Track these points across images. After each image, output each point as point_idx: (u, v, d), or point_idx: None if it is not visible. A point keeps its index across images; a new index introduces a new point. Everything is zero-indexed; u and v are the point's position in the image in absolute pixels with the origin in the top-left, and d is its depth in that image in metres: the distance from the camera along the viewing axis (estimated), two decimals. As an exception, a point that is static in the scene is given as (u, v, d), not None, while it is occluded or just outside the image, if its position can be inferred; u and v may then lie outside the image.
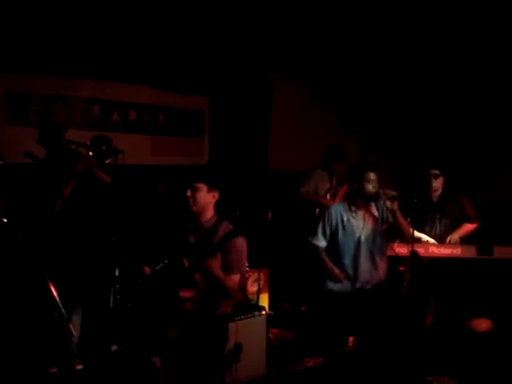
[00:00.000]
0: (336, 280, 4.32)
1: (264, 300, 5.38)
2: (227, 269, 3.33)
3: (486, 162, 6.34)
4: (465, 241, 5.00)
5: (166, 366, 3.39)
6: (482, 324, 5.01)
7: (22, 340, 4.36)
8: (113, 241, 4.38)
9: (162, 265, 3.34)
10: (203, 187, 3.42)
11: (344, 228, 4.32)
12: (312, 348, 4.78)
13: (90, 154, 4.39)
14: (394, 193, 4.23)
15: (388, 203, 4.20)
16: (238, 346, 4.09)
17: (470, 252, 4.81)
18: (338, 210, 4.37)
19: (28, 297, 4.24)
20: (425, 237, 4.98)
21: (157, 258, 3.47)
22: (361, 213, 4.34)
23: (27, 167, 4.33)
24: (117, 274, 4.33)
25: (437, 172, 5.03)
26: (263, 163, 6.71)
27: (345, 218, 4.33)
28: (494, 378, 4.15)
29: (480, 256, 4.79)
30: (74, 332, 3.92)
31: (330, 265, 4.34)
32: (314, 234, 4.39)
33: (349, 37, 6.01)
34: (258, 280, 5.23)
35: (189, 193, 3.42)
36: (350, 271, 4.33)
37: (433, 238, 5.00)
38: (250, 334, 4.26)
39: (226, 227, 3.41)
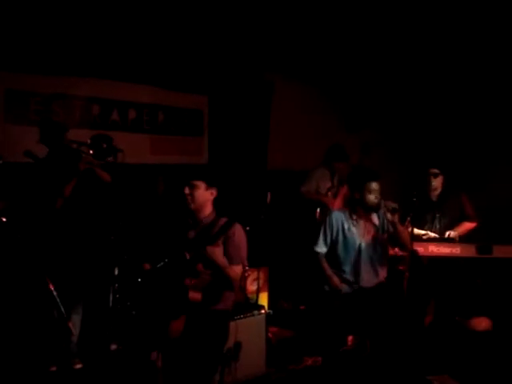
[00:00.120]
0: (334, 287, 4.31)
1: (263, 299, 5.38)
2: (228, 260, 3.35)
3: (486, 161, 6.34)
4: (464, 240, 5.01)
5: (167, 365, 3.40)
6: (482, 323, 5.02)
7: (21, 339, 4.35)
8: (112, 240, 4.39)
9: (162, 263, 3.35)
10: (201, 185, 3.44)
11: (345, 236, 4.31)
12: (311, 347, 4.79)
13: (91, 152, 4.39)
14: (394, 205, 4.21)
15: (389, 215, 4.19)
16: (238, 345, 4.11)
17: (470, 251, 4.81)
18: (339, 218, 4.35)
19: (27, 296, 4.24)
20: (425, 232, 4.98)
21: (157, 256, 3.48)
22: (362, 221, 4.33)
23: (27, 166, 4.33)
24: (116, 272, 4.33)
25: (436, 171, 5.04)
26: (263, 162, 6.70)
27: (346, 226, 4.31)
28: (494, 376, 4.16)
29: (479, 255, 4.79)
30: (73, 331, 3.92)
31: (329, 272, 4.32)
32: (316, 240, 4.39)
33: (349, 36, 6.01)
34: (257, 279, 5.23)
35: (187, 190, 3.43)
36: (350, 278, 4.32)
37: (432, 236, 5.03)
38: (250, 333, 4.28)
39: (224, 222, 3.42)
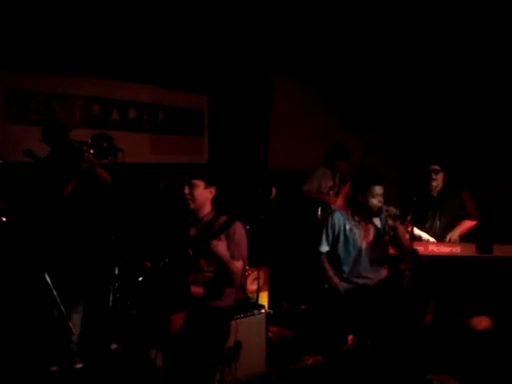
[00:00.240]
0: (334, 288, 4.31)
1: (263, 298, 5.38)
2: (230, 255, 3.36)
3: (486, 160, 6.34)
4: (464, 239, 5.01)
5: (167, 363, 3.40)
6: (482, 322, 5.01)
7: (21, 338, 4.36)
8: (112, 239, 4.39)
9: (163, 262, 3.35)
10: (200, 184, 3.45)
11: (346, 236, 4.30)
12: (311, 346, 4.80)
13: (91, 152, 4.39)
14: (396, 211, 4.23)
15: (390, 221, 4.20)
16: (238, 345, 4.11)
17: (470, 250, 4.81)
18: (340, 218, 4.34)
19: (28, 295, 4.24)
20: (425, 235, 4.99)
21: (158, 255, 3.49)
22: (363, 223, 4.33)
23: (27, 166, 4.33)
24: (116, 272, 4.33)
25: (437, 167, 5.04)
26: (263, 162, 6.70)
27: (347, 227, 4.31)
28: (494, 376, 4.16)
29: (480, 254, 4.79)
30: (73, 330, 3.92)
31: (330, 273, 4.33)
32: (319, 240, 4.38)
33: (350, 35, 6.00)
34: (257, 278, 5.23)
35: (186, 190, 3.44)
36: (350, 278, 4.32)
37: (432, 235, 5.02)
38: (250, 333, 4.28)
39: (224, 219, 3.43)
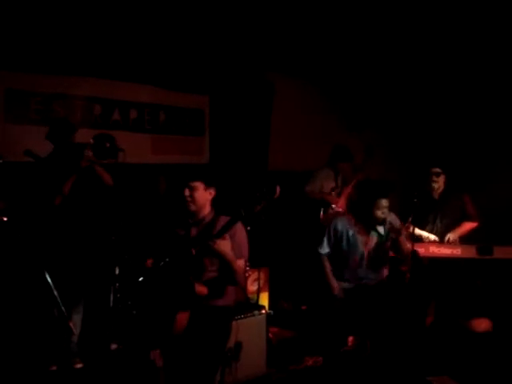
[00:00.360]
0: (332, 294, 4.34)
1: (264, 299, 5.38)
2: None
3: (486, 162, 6.34)
4: (465, 240, 5.00)
5: (168, 363, 3.40)
6: (482, 324, 5.01)
7: (22, 338, 4.36)
8: (113, 239, 4.38)
9: (163, 262, 3.35)
10: (200, 186, 3.46)
11: (348, 241, 4.36)
12: (312, 347, 4.79)
13: (92, 152, 4.38)
14: (399, 226, 4.35)
15: (393, 235, 4.30)
16: (238, 345, 4.11)
17: (470, 252, 4.81)
18: (344, 223, 4.41)
19: (28, 295, 4.24)
20: (425, 233, 4.99)
21: (160, 255, 3.49)
22: (366, 230, 4.38)
23: (27, 166, 4.33)
24: (117, 272, 4.33)
25: (438, 170, 5.04)
26: (264, 162, 6.70)
27: (350, 233, 4.36)
28: (494, 378, 4.15)
29: (480, 256, 4.79)
30: (74, 330, 3.91)
31: (330, 277, 4.37)
32: (320, 242, 4.43)
33: (350, 36, 6.01)
34: (258, 279, 5.23)
35: (187, 192, 3.45)
36: (351, 280, 4.37)
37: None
38: (250, 333, 4.28)
39: (225, 219, 3.45)
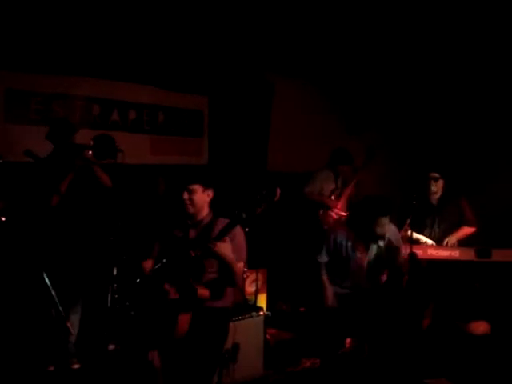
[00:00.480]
0: (326, 305, 4.38)
1: (262, 300, 5.39)
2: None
3: (485, 165, 6.34)
4: (463, 243, 5.01)
5: (166, 365, 3.40)
6: (480, 327, 5.00)
7: (19, 338, 4.35)
8: (111, 240, 4.38)
9: (160, 264, 3.35)
10: (198, 188, 3.47)
11: (347, 252, 4.39)
12: (309, 349, 4.79)
13: (90, 152, 4.38)
14: (396, 240, 4.43)
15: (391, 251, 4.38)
16: (236, 347, 4.11)
17: (469, 254, 4.81)
18: (343, 235, 4.42)
19: (26, 295, 4.24)
20: (423, 238, 4.99)
21: (158, 256, 3.49)
22: (365, 243, 4.41)
23: (27, 166, 4.33)
24: (115, 273, 4.33)
25: (437, 175, 5.04)
26: (263, 163, 6.70)
27: (349, 244, 4.38)
28: (492, 380, 4.16)
29: (478, 259, 4.79)
30: (71, 331, 3.92)
31: (326, 287, 4.41)
32: (320, 250, 4.46)
33: (350, 37, 6.01)
34: (256, 280, 5.24)
35: (186, 195, 3.45)
36: (350, 288, 4.41)
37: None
38: (248, 335, 4.28)
39: (223, 221, 3.45)
